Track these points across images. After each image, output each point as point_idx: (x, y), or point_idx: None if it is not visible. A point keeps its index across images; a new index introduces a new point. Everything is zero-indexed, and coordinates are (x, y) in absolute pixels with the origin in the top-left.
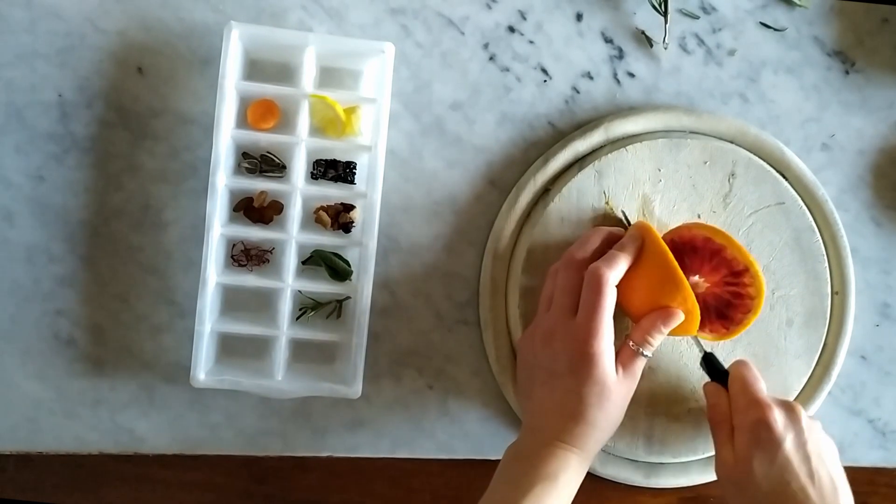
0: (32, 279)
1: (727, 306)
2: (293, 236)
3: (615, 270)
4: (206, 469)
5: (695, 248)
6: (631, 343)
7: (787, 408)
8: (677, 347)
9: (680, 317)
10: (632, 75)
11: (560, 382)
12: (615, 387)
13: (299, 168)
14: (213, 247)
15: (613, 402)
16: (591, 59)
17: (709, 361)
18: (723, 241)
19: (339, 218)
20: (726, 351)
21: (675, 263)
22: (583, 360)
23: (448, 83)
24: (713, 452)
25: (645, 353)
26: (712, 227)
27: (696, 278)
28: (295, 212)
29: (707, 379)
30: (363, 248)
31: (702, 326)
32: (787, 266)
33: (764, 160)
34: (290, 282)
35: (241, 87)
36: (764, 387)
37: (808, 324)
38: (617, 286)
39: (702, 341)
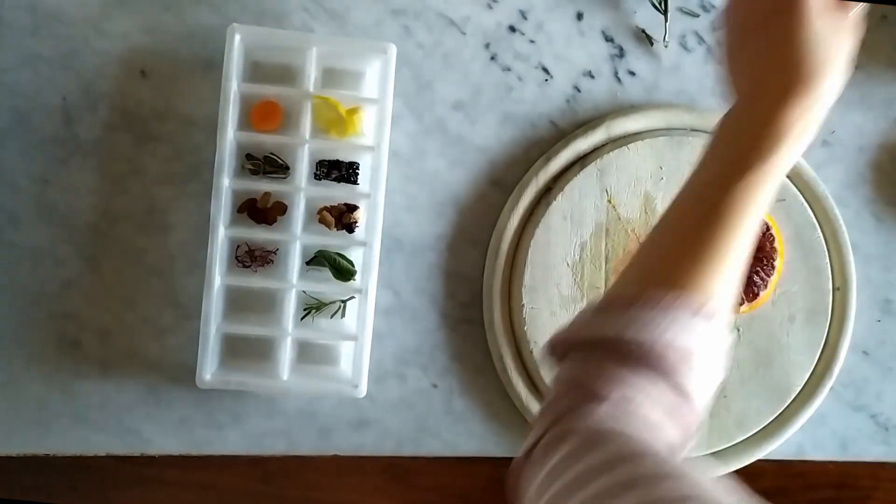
0: (38, 282)
1: (755, 272)
2: (297, 237)
3: None
4: (212, 469)
5: None
6: None
7: None
8: None
9: None
10: (633, 74)
11: (779, 20)
12: (837, 26)
13: (302, 169)
14: (217, 248)
15: (839, 45)
16: (591, 57)
17: None
18: None
19: (342, 218)
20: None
21: None
22: None
23: (450, 83)
24: (717, 448)
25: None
26: None
27: None
28: (298, 212)
29: None
30: (367, 249)
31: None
32: (788, 262)
33: None
34: (294, 282)
35: (243, 88)
36: None
37: (810, 320)
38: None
39: None
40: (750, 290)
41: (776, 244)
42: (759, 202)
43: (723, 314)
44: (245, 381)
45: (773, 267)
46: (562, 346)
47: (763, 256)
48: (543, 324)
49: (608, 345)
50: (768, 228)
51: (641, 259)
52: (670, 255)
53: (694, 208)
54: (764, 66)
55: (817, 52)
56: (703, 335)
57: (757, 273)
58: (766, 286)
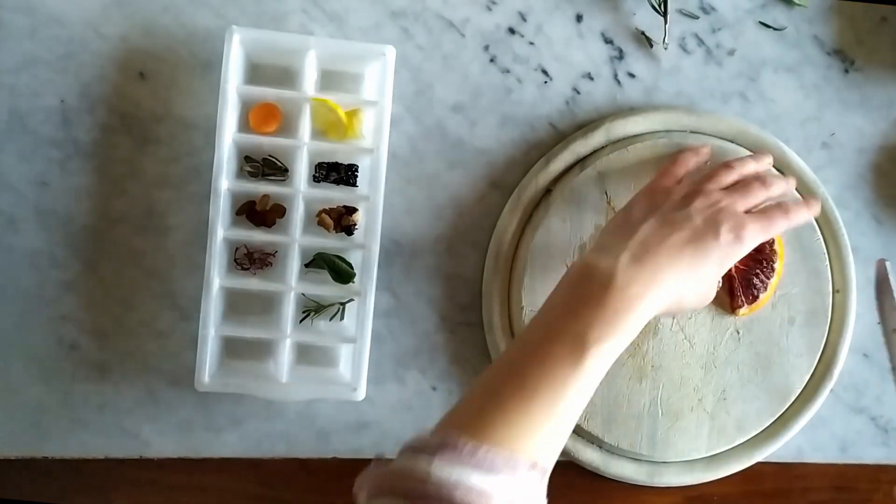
0: (36, 285)
1: (755, 275)
2: (296, 239)
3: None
4: (211, 472)
5: None
6: None
7: None
8: (680, 347)
9: None
10: (632, 76)
11: (704, 244)
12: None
13: (301, 171)
14: (216, 250)
15: (712, 291)
16: (591, 59)
17: None
18: None
19: (341, 220)
20: (729, 349)
21: None
22: (736, 241)
23: (449, 85)
24: (717, 451)
25: None
26: None
27: None
28: (297, 215)
29: None
30: (366, 251)
31: (735, 300)
32: (788, 264)
33: None
34: (293, 285)
35: (242, 91)
36: None
37: (810, 322)
38: None
39: None
40: (750, 293)
41: (776, 247)
42: (603, 370)
43: (539, 471)
44: (244, 384)
45: (772, 269)
46: (369, 490)
47: (763, 259)
48: None
49: (410, 492)
50: None
51: (475, 398)
52: (502, 404)
53: (542, 359)
54: (666, 247)
55: (711, 285)
56: (510, 486)
57: (757, 275)
58: (765, 288)
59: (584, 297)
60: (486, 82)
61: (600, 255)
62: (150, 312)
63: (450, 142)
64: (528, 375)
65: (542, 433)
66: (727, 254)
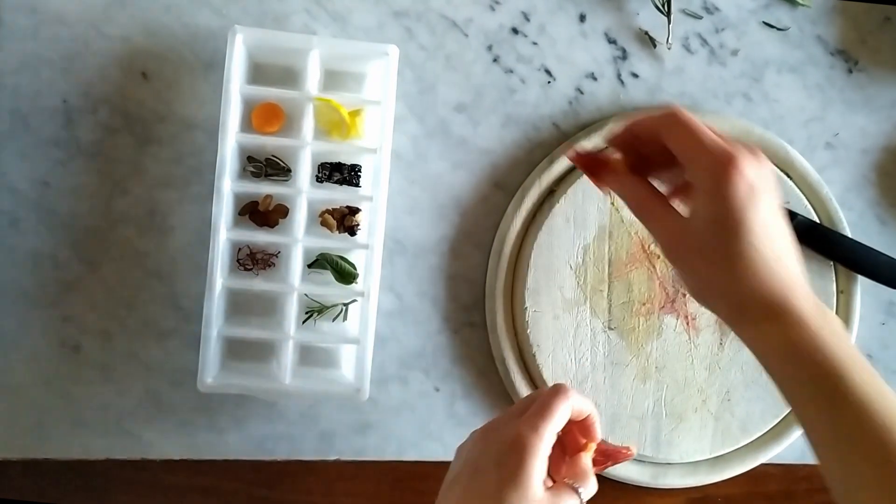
0: (38, 285)
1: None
2: (299, 240)
3: (574, 402)
4: (213, 474)
5: None
6: (566, 479)
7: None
8: (683, 348)
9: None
10: (635, 76)
11: (479, 481)
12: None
13: (304, 171)
14: (219, 251)
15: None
16: (594, 59)
17: None
18: None
19: (344, 221)
20: (734, 350)
21: None
22: (512, 452)
23: (452, 85)
24: (721, 452)
25: (581, 490)
26: None
27: None
28: (300, 215)
29: None
30: (369, 251)
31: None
32: None
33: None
34: (296, 285)
35: (245, 91)
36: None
37: None
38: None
39: None
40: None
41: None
42: None
43: None
44: (247, 385)
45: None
46: None
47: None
48: (546, 326)
49: None
50: None
51: None
52: None
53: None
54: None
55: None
56: None
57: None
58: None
59: None
60: (489, 82)
61: None
62: (153, 313)
63: (453, 142)
64: None
65: None
66: (546, 414)
